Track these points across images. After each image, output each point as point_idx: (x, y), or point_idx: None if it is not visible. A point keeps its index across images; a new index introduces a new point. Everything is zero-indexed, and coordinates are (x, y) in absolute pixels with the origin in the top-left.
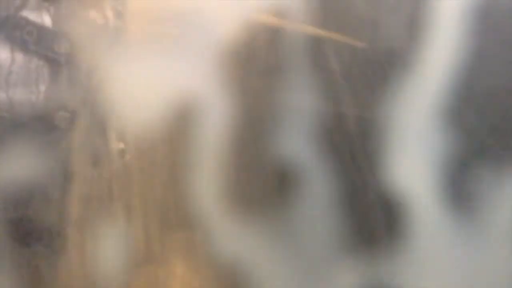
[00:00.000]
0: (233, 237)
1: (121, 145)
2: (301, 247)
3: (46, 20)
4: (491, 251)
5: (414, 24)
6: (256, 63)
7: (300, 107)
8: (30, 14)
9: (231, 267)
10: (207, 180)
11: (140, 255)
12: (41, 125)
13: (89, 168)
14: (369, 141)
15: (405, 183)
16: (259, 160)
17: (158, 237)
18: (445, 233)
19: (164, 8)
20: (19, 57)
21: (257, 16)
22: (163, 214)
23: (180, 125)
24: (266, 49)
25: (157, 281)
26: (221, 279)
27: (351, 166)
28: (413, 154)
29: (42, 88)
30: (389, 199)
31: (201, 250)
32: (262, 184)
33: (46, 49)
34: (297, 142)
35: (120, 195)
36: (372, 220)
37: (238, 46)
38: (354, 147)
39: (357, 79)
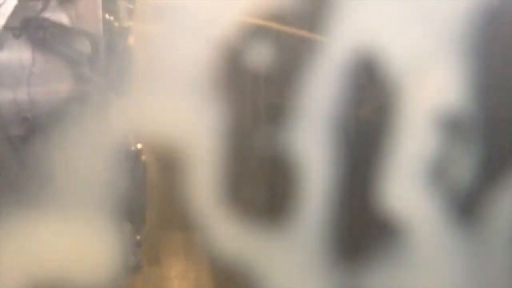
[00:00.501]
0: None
1: (139, 146)
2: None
3: (67, 21)
4: (491, 260)
5: None
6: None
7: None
8: (51, 16)
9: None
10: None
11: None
12: (63, 124)
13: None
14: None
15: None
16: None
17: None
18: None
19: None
20: (40, 57)
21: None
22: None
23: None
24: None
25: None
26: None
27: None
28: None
29: (63, 87)
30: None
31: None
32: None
33: (67, 49)
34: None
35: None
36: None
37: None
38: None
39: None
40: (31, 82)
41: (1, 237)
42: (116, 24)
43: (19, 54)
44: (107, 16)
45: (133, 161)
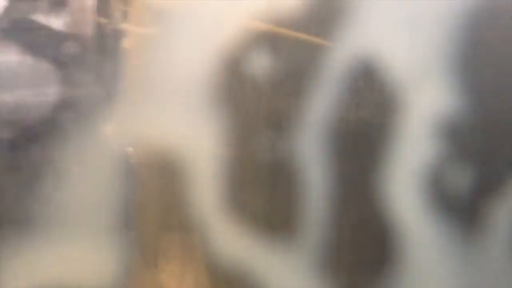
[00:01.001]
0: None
1: (129, 149)
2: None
3: (57, 23)
4: (489, 269)
5: None
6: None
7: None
8: (40, 18)
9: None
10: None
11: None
12: (49, 127)
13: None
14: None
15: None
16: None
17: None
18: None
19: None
20: (29, 60)
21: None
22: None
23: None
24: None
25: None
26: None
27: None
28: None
29: (52, 90)
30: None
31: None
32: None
33: (56, 52)
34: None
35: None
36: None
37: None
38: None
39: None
40: (19, 85)
41: None
42: (110, 27)
43: (6, 56)
44: (99, 19)
45: (123, 165)
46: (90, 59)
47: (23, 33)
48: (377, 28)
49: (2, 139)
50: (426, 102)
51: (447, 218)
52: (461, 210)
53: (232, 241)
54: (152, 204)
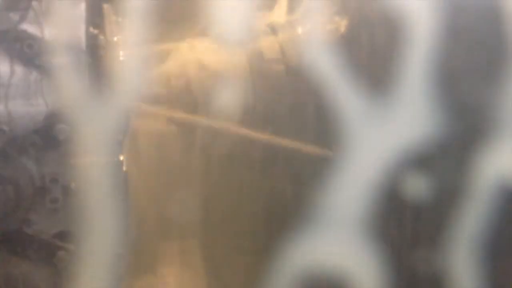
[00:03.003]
0: None
1: (121, 157)
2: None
3: (47, 33)
4: None
5: None
6: None
7: None
8: (29, 27)
9: None
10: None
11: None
12: (40, 138)
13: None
14: None
15: None
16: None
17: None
18: None
19: None
20: (19, 69)
21: None
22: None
23: None
24: None
25: None
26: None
27: None
28: None
29: (42, 101)
30: None
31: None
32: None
33: (46, 61)
34: None
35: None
36: None
37: None
38: None
39: None
40: (9, 95)
41: None
42: (101, 37)
43: None
44: (91, 29)
45: (115, 173)
46: (82, 69)
47: (13, 43)
48: None
49: None
50: None
51: None
52: None
53: None
54: None
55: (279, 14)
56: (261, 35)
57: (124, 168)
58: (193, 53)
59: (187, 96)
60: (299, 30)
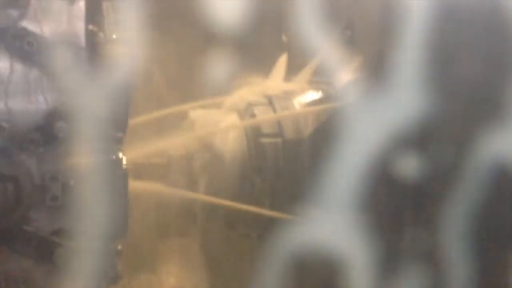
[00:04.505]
0: None
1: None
2: None
3: (46, 30)
4: None
5: None
6: None
7: None
8: (29, 25)
9: None
10: None
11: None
12: (40, 135)
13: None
14: None
15: None
16: None
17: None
18: None
19: None
20: (19, 67)
21: None
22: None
23: None
24: None
25: None
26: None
27: None
28: None
29: (41, 98)
30: None
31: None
32: None
33: (46, 59)
34: None
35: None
36: None
37: None
38: None
39: None
40: (9, 92)
41: None
42: (101, 35)
43: None
44: (91, 26)
45: (114, 170)
46: (81, 67)
47: (13, 41)
48: None
49: None
50: None
51: None
52: None
53: None
54: None
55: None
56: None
57: (124, 166)
58: None
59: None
60: None
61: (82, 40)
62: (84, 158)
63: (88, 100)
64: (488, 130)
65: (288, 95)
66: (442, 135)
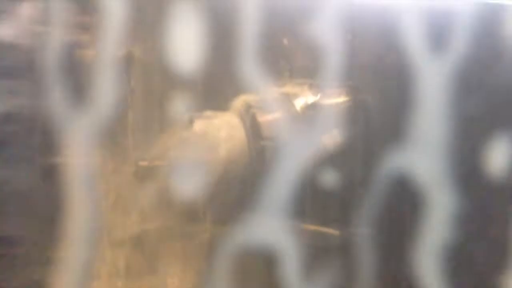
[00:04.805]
0: None
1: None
2: None
3: (5, 33)
4: None
5: None
6: None
7: None
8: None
9: None
10: None
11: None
12: None
13: None
14: None
15: None
16: None
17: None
18: None
19: None
20: None
21: None
22: None
23: None
24: None
25: None
26: None
27: None
28: None
29: None
30: None
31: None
32: None
33: (5, 63)
34: None
35: None
36: None
37: None
38: None
39: None
40: None
41: None
42: (59, 38)
43: None
44: (46, 29)
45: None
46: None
47: None
48: None
49: None
50: None
51: None
52: None
53: None
54: None
55: None
56: None
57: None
58: None
59: None
60: None
61: (38, 43)
62: (64, 163)
63: (67, 106)
64: (391, 149)
65: None
66: (355, 155)
